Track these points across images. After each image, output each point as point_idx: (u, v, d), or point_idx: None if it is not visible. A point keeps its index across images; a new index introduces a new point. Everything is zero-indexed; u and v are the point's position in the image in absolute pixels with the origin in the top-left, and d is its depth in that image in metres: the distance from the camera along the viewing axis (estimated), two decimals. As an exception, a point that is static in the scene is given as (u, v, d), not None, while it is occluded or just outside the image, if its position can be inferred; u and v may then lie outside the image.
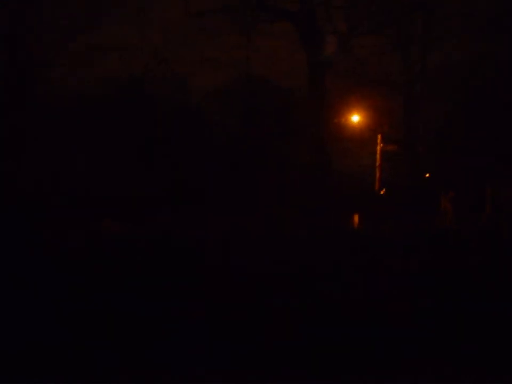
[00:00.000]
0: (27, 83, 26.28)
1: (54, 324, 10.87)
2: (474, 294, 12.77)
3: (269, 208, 24.60)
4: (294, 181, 28.20)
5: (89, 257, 14.81)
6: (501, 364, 9.87)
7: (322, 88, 27.18)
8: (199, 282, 12.85)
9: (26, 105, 26.04)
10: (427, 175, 31.74)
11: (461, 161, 29.09)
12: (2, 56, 26.63)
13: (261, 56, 28.15)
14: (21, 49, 26.48)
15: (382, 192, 32.90)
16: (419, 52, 28.67)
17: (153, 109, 27.62)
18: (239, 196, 26.27)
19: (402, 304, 12.03)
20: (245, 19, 27.13)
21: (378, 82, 28.95)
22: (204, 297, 12.09)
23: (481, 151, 27.46)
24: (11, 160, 25.78)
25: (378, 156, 32.93)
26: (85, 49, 27.00)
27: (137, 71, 27.32)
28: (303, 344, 10.41)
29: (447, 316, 11.63)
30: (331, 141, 27.38)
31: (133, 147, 27.31)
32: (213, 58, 28.23)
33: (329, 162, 27.28)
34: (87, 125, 27.09)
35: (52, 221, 20.18)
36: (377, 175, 33.06)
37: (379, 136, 32.13)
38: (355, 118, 31.77)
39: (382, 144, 32.47)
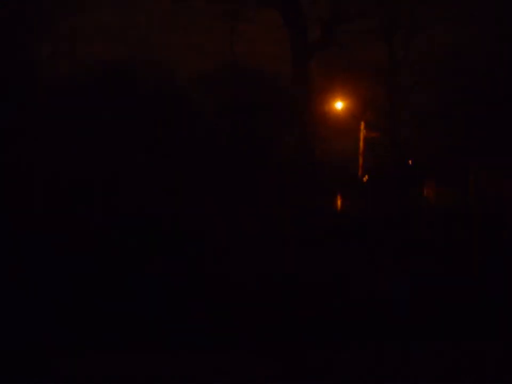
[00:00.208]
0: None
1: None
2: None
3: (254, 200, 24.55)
4: (279, 170, 28.15)
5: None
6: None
7: (306, 73, 27.19)
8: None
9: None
10: (409, 162, 31.84)
11: (444, 148, 29.22)
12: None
13: (246, 43, 28.03)
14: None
15: (364, 179, 32.96)
16: (403, 38, 28.71)
17: (136, 95, 27.42)
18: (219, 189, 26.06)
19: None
20: (229, 6, 27.01)
21: (362, 69, 28.96)
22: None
23: (466, 136, 27.60)
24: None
25: (361, 143, 33.01)
26: (69, 33, 26.67)
27: (121, 57, 27.08)
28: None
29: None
30: (316, 128, 27.40)
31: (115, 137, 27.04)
32: (197, 44, 28.06)
33: (313, 150, 27.29)
34: (68, 113, 26.79)
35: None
36: (360, 162, 33.13)
37: (362, 123, 32.21)
38: (339, 105, 31.77)
39: (365, 131, 32.52)
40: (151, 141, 26.53)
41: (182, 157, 26.97)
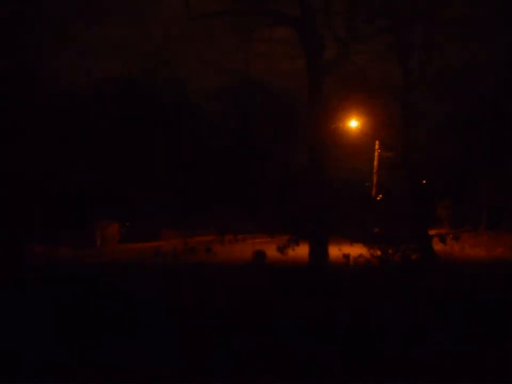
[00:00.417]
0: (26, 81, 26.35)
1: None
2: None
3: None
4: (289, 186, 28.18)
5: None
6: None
7: (321, 93, 27.20)
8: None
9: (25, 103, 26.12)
10: (423, 182, 31.80)
11: (457, 168, 29.15)
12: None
13: (260, 61, 28.24)
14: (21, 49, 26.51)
15: (378, 198, 32.96)
16: (417, 59, 28.72)
17: (150, 109, 27.73)
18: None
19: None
20: (245, 23, 27.17)
21: (377, 88, 29.01)
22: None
23: (478, 157, 27.52)
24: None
25: (376, 162, 32.96)
26: (85, 48, 27.04)
27: (136, 72, 27.42)
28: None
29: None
30: (329, 146, 27.39)
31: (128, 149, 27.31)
32: (212, 61, 28.31)
33: (323, 167, 27.18)
34: (82, 124, 27.11)
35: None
36: (374, 180, 33.09)
37: (377, 142, 32.16)
38: (353, 124, 31.84)
39: (379, 150, 32.51)
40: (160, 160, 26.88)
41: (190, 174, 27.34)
